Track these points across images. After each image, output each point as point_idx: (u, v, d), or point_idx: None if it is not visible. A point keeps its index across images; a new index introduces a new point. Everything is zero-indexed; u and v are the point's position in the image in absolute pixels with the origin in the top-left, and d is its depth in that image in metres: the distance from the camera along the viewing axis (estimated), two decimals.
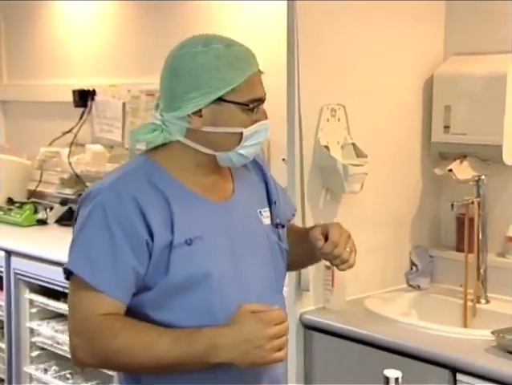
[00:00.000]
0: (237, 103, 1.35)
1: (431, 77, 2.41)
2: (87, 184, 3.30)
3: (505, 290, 2.21)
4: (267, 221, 1.49)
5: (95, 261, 1.32)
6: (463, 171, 2.31)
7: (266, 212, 1.50)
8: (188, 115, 1.36)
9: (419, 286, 2.40)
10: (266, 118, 1.40)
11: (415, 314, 2.29)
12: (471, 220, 2.25)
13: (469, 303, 2.24)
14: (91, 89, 3.47)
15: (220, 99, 1.35)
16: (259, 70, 1.39)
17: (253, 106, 1.36)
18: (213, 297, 1.35)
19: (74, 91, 3.46)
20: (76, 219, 1.39)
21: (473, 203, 2.23)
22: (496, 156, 2.30)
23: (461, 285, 2.23)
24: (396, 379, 1.26)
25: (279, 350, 1.29)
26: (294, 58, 2.11)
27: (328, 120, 2.24)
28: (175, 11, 3.21)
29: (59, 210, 3.38)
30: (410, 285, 2.42)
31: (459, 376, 1.78)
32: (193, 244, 1.35)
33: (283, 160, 2.28)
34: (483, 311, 2.23)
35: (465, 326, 2.23)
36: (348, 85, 2.27)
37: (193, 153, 1.40)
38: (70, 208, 3.32)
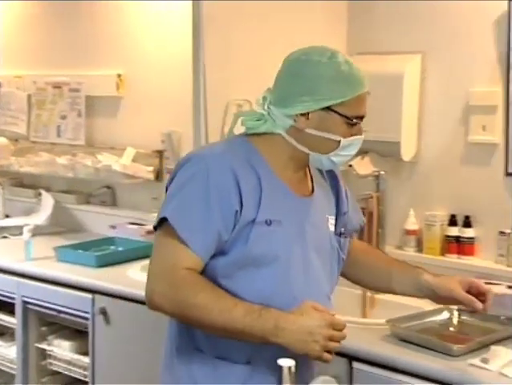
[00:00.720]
0: (343, 116, 1.47)
1: None
2: None
3: None
4: (332, 228, 1.61)
5: (189, 217, 1.43)
6: (364, 166, 2.39)
7: (332, 220, 1.61)
8: (296, 115, 1.48)
9: None
10: (361, 134, 1.52)
11: None
12: (370, 214, 2.34)
13: (369, 294, 2.33)
14: None
15: (329, 108, 1.47)
16: (368, 91, 1.51)
17: (355, 121, 1.49)
18: (277, 278, 1.47)
19: None
20: (172, 180, 1.50)
21: (372, 197, 2.32)
22: (394, 152, 2.40)
23: None
24: (290, 368, 1.30)
25: (330, 352, 1.41)
26: (200, 55, 2.13)
27: None
28: (84, 8, 3.18)
29: None
30: None
31: (355, 364, 1.84)
32: (272, 225, 1.47)
33: None
34: (382, 301, 2.32)
35: (365, 316, 2.31)
36: (254, 81, 2.29)
37: (289, 148, 1.52)
38: None
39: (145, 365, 2.41)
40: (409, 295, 1.71)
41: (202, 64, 2.12)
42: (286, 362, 1.30)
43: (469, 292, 1.58)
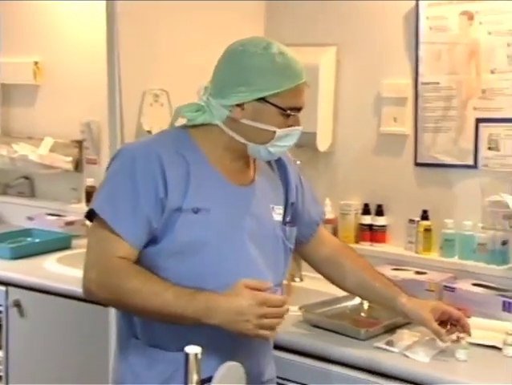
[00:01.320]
0: (278, 107, 1.48)
1: None
2: None
3: None
4: (278, 218, 1.61)
5: (117, 206, 1.46)
6: None
7: (278, 210, 1.61)
8: (232, 106, 1.49)
9: None
10: (299, 125, 1.53)
11: None
12: None
13: (285, 282, 2.37)
14: None
15: (263, 99, 1.48)
16: (305, 83, 1.51)
17: (290, 113, 1.49)
18: (206, 266, 1.47)
19: None
20: (107, 170, 1.53)
21: None
22: (310, 143, 2.45)
23: None
24: (196, 355, 1.31)
25: (270, 328, 1.42)
26: (114, 43, 2.10)
27: (151, 105, 2.26)
28: None
29: None
30: None
31: None
32: (199, 213, 1.48)
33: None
34: (297, 289, 2.37)
35: None
36: (172, 71, 2.30)
37: (226, 139, 1.53)
38: None
39: (61, 357, 2.39)
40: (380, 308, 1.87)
41: (117, 52, 2.10)
42: (192, 350, 1.31)
43: (441, 317, 1.70)
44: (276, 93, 1.47)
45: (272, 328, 1.43)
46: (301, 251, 1.81)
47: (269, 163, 1.65)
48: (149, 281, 1.44)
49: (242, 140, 1.53)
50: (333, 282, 1.83)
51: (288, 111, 1.49)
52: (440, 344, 1.75)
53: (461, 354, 1.69)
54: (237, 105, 1.49)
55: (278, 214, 1.61)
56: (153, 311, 1.44)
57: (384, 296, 1.75)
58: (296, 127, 1.53)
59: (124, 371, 1.56)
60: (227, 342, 1.48)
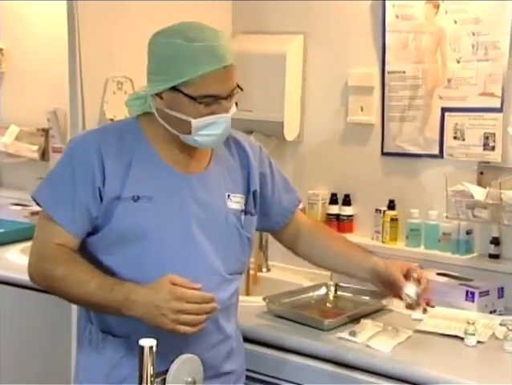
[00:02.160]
0: (187, 96, 1.44)
1: None
2: None
3: (284, 259, 2.34)
4: (234, 206, 1.59)
5: (56, 195, 1.49)
6: None
7: (235, 198, 1.59)
8: (152, 95, 1.50)
9: None
10: (226, 112, 1.47)
11: None
12: None
13: (251, 272, 2.36)
14: None
15: (175, 88, 1.45)
16: (224, 67, 1.44)
17: (202, 101, 1.44)
18: (147, 253, 1.48)
19: None
20: None
21: None
22: (278, 132, 2.43)
23: None
24: (151, 348, 1.29)
25: (189, 324, 1.39)
26: (75, 30, 2.06)
27: (114, 93, 2.22)
28: None
29: None
30: None
31: None
32: (139, 201, 1.48)
33: None
34: (264, 279, 2.36)
35: (248, 293, 2.35)
36: (136, 58, 2.24)
37: (163, 127, 1.52)
38: None
39: (24, 349, 2.36)
40: (353, 276, 1.79)
41: (78, 39, 2.05)
42: (147, 342, 1.29)
43: (406, 275, 1.66)
44: (185, 82, 1.44)
45: (191, 324, 1.40)
46: (276, 236, 1.81)
47: (229, 150, 1.63)
48: (76, 270, 1.46)
49: (171, 130, 1.51)
50: (310, 261, 1.81)
51: (198, 100, 1.44)
52: (403, 334, 1.75)
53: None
54: (157, 94, 1.48)
55: (235, 202, 1.59)
56: (78, 299, 1.48)
57: (357, 260, 1.73)
58: (216, 116, 1.46)
59: (79, 355, 1.60)
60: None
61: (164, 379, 1.28)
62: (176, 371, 1.29)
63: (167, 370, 1.29)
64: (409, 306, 1.67)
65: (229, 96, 1.48)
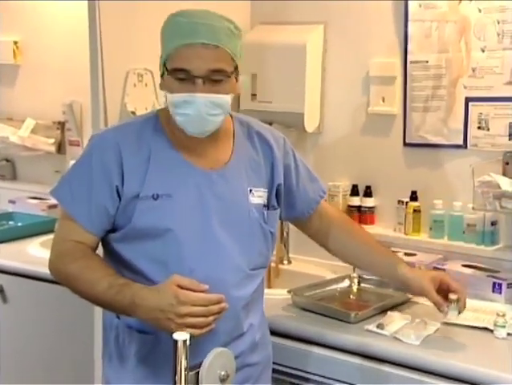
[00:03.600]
0: (166, 70, 1.45)
1: None
2: None
3: (305, 251, 2.33)
4: (256, 200, 1.56)
5: (74, 194, 1.49)
6: None
7: (258, 192, 1.57)
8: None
9: None
10: (196, 92, 1.42)
11: None
12: None
13: (273, 264, 2.35)
14: None
15: (164, 65, 1.47)
16: (204, 45, 1.42)
17: (175, 76, 1.43)
18: (169, 250, 1.46)
19: None
20: None
21: None
22: (298, 124, 2.41)
23: None
24: (185, 342, 1.29)
25: (196, 327, 1.36)
26: (96, 23, 2.04)
27: (135, 85, 2.21)
28: None
29: None
30: None
31: None
32: (159, 199, 1.47)
33: None
34: (285, 271, 2.35)
35: (270, 286, 2.34)
36: (156, 50, 2.23)
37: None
38: None
39: (46, 343, 2.36)
40: (382, 279, 1.85)
41: (99, 31, 2.03)
42: (181, 336, 1.28)
43: (440, 287, 1.66)
44: (167, 56, 1.45)
45: (198, 327, 1.37)
46: (302, 227, 1.80)
47: (252, 144, 1.60)
48: (89, 268, 1.45)
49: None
50: (335, 254, 1.80)
51: (174, 75, 1.43)
52: (432, 326, 1.74)
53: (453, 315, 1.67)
54: (161, 76, 1.49)
55: (258, 197, 1.57)
56: (89, 297, 1.47)
57: (385, 264, 1.73)
58: (185, 94, 1.43)
59: (104, 349, 1.60)
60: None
61: (198, 373, 1.28)
62: (209, 365, 1.27)
63: (200, 364, 1.28)
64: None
65: (206, 78, 1.43)
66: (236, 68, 1.50)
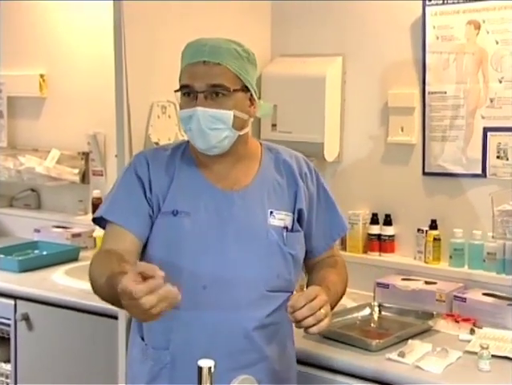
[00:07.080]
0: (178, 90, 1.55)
1: (259, 77, 2.50)
2: None
3: None
4: (276, 222, 1.58)
5: (115, 204, 1.56)
6: None
7: (279, 215, 1.59)
8: None
9: None
10: (194, 107, 1.49)
11: None
12: None
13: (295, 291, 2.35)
14: None
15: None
16: (204, 62, 1.50)
17: (182, 92, 1.53)
18: (183, 267, 1.50)
19: None
20: None
21: None
22: (318, 153, 2.45)
23: None
24: (209, 368, 1.31)
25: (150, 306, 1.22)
26: (122, 56, 2.09)
27: (159, 117, 2.26)
28: (5, 7, 3.11)
29: None
30: None
31: None
32: (178, 216, 1.53)
33: (116, 156, 2.27)
34: None
35: None
36: (177, 83, 2.30)
37: None
38: None
39: (70, 371, 2.38)
40: None
41: (124, 64, 2.09)
42: (206, 363, 1.30)
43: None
44: (179, 77, 1.56)
45: (140, 316, 1.25)
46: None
47: (278, 168, 1.63)
48: (97, 265, 1.46)
49: None
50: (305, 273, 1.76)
51: (181, 91, 1.53)
52: (453, 355, 1.74)
53: (483, 364, 1.67)
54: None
55: (278, 220, 1.58)
56: (101, 296, 1.44)
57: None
58: (189, 109, 1.51)
59: (127, 365, 1.66)
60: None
61: None
62: None
63: None
64: None
65: (207, 92, 1.50)
66: (246, 88, 1.54)
